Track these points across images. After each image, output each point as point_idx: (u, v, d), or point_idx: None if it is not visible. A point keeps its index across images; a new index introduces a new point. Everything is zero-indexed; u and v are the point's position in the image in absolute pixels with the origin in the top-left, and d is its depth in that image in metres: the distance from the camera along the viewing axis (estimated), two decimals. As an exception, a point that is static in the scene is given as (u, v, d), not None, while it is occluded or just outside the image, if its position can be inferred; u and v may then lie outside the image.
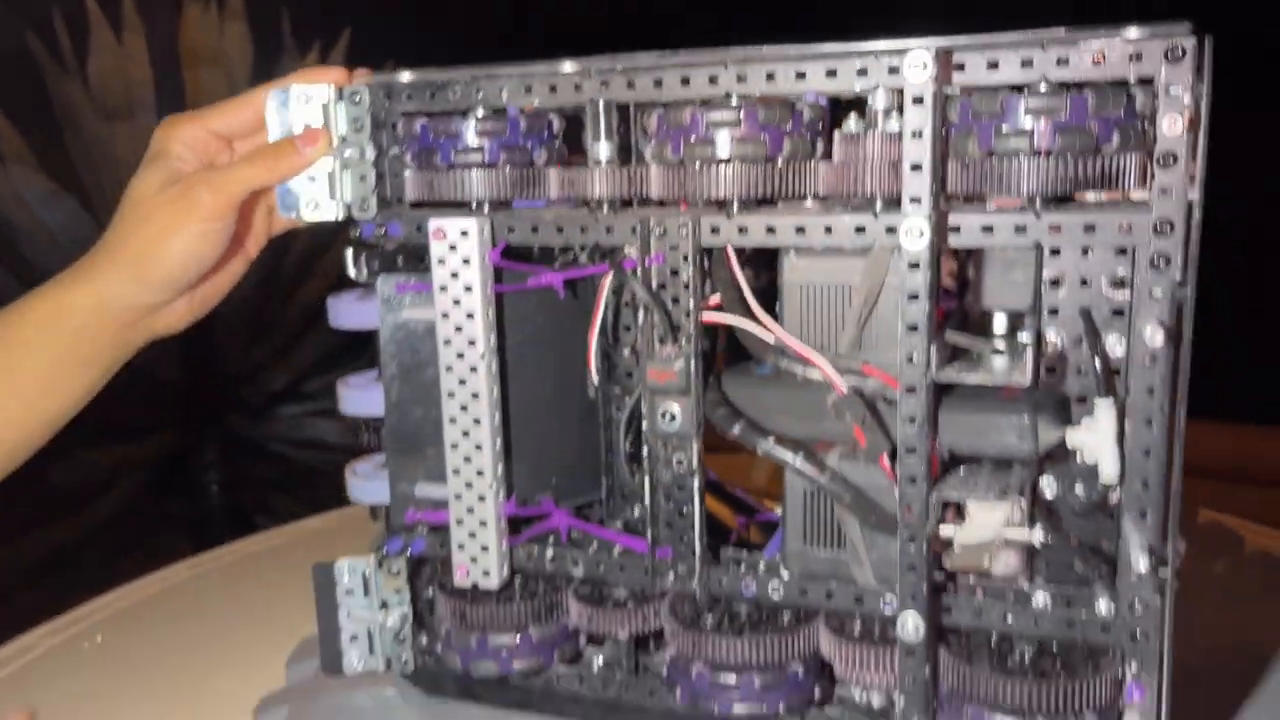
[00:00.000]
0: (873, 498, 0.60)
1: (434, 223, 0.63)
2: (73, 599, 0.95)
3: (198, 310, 0.69)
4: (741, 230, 0.60)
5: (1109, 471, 0.56)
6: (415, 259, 0.67)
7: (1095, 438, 0.57)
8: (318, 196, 0.66)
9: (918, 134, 0.53)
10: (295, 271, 2.83)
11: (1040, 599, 0.59)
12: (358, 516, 0.74)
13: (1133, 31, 0.52)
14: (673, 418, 0.62)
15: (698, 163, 0.58)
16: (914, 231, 0.54)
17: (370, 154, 0.67)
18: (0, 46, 2.59)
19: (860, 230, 0.57)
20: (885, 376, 0.58)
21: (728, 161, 0.57)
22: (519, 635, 0.67)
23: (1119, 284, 0.57)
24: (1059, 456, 0.60)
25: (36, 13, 2.56)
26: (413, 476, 0.68)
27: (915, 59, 0.53)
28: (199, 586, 0.99)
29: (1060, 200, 0.55)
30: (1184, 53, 0.51)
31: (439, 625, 0.70)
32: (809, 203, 0.60)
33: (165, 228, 0.63)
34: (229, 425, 2.77)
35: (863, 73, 0.56)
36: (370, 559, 0.70)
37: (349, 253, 0.67)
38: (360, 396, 0.69)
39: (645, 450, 0.64)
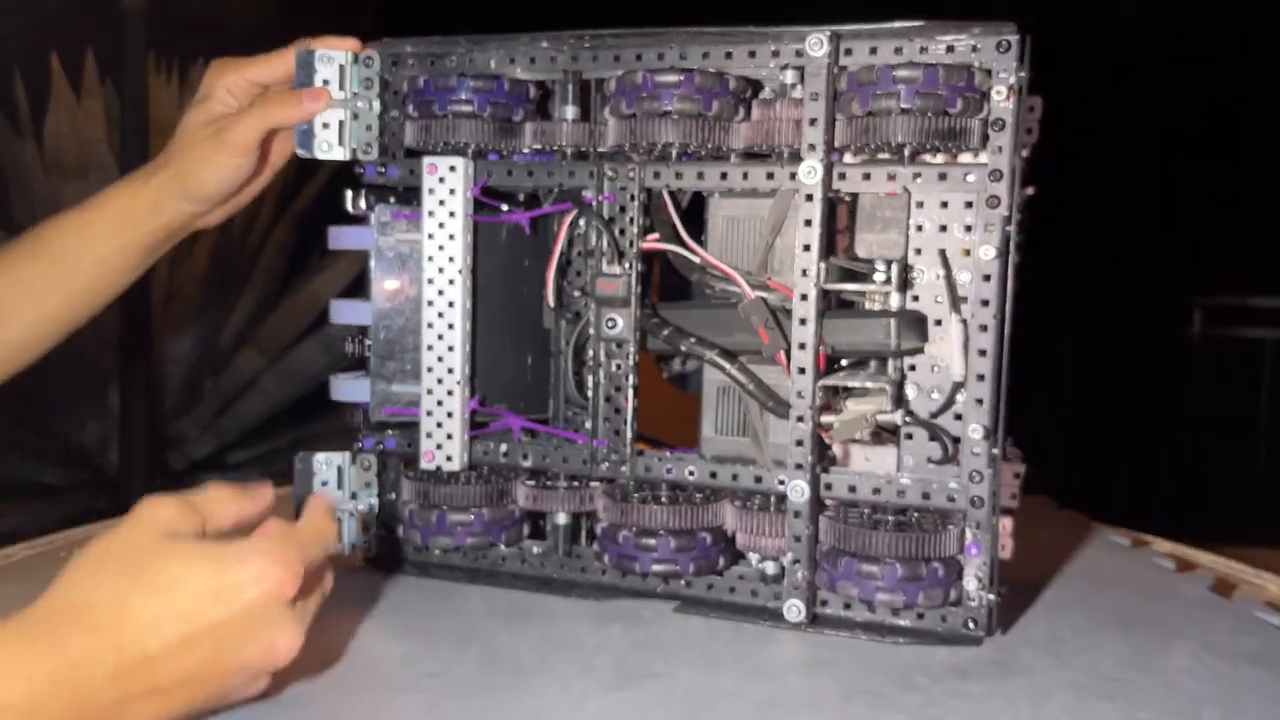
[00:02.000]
0: (771, 388, 0.74)
1: (428, 159, 0.77)
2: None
3: (232, 210, 0.87)
4: (678, 175, 0.75)
5: (957, 370, 0.72)
6: (404, 200, 0.81)
7: (947, 346, 0.73)
8: (330, 140, 0.80)
9: (815, 96, 0.70)
10: (232, 340, 2.91)
11: (904, 478, 0.74)
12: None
13: (975, 28, 0.70)
14: (615, 323, 0.76)
15: (647, 113, 0.73)
16: (810, 171, 0.70)
17: (376, 108, 0.81)
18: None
19: (770, 176, 0.73)
20: (784, 288, 0.73)
21: (669, 114, 0.73)
22: (473, 514, 0.79)
23: (968, 229, 0.74)
24: (920, 371, 0.75)
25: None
26: (391, 377, 0.80)
27: (814, 40, 0.70)
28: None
29: (919, 156, 0.72)
30: (1009, 45, 0.69)
31: (402, 509, 0.82)
32: (733, 158, 0.76)
33: (202, 156, 0.80)
34: (149, 489, 2.79)
35: (775, 53, 0.73)
36: (345, 455, 0.82)
37: (348, 192, 0.81)
38: (350, 308, 0.81)
39: (590, 356, 0.78)
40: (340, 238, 0.82)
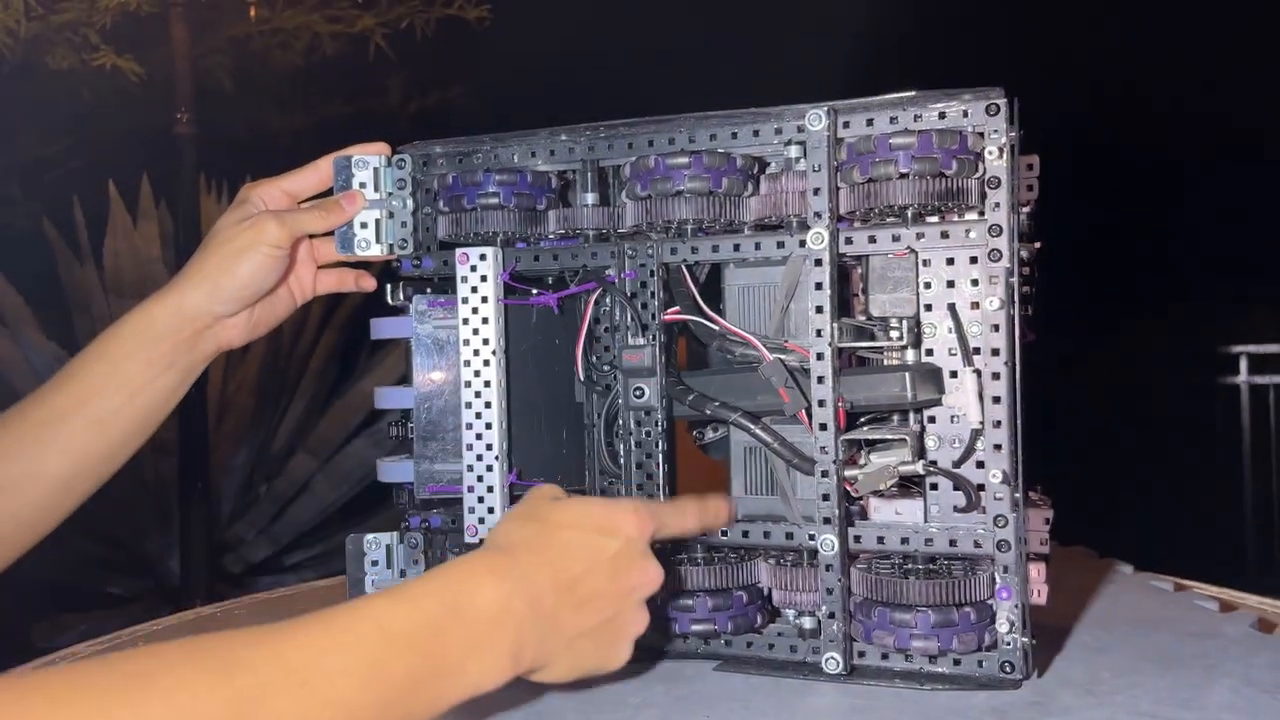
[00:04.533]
0: (796, 445, 0.77)
1: (460, 250, 0.81)
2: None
3: (255, 331, 0.86)
4: (693, 249, 0.79)
5: (974, 417, 0.74)
6: (440, 290, 0.86)
7: (963, 396, 0.76)
8: (368, 238, 0.85)
9: (817, 167, 0.74)
10: (285, 445, 2.99)
11: (931, 527, 0.76)
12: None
13: (965, 94, 0.74)
14: (642, 392, 0.79)
15: (660, 194, 0.78)
16: (817, 237, 0.74)
17: (409, 205, 0.86)
18: (19, 230, 2.82)
19: (780, 245, 0.77)
20: (801, 349, 0.76)
21: (682, 193, 0.77)
22: None
23: (974, 283, 0.77)
24: (940, 422, 0.78)
25: (56, 198, 2.81)
26: (434, 456, 0.84)
27: (814, 116, 0.75)
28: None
29: (922, 218, 0.76)
30: (998, 108, 0.73)
31: None
32: (745, 230, 0.80)
33: (239, 249, 0.81)
34: (210, 596, 2.84)
35: (778, 130, 0.78)
36: (393, 534, 0.86)
37: (388, 286, 0.87)
38: (394, 394, 0.86)
39: (620, 425, 0.81)
40: (381, 328, 0.87)
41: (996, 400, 0.73)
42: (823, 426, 0.74)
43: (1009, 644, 0.73)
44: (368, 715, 0.49)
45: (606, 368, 0.86)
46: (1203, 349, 3.47)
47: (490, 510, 0.81)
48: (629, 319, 0.80)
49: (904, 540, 0.76)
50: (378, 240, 0.85)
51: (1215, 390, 3.44)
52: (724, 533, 0.79)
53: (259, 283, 0.82)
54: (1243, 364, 3.40)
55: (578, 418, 0.88)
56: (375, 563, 0.85)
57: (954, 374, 0.77)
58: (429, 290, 0.86)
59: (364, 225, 0.85)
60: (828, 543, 0.74)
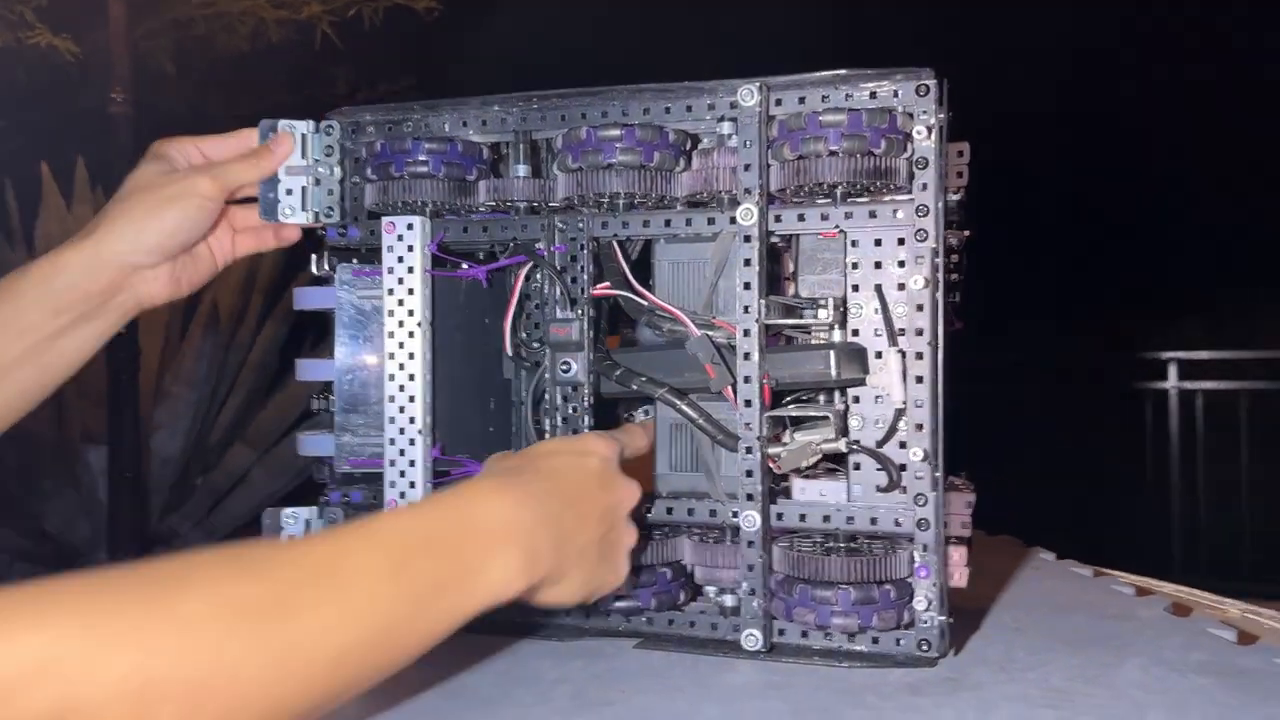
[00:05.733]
0: (720, 422, 0.77)
1: (386, 219, 0.78)
2: None
3: (177, 288, 0.81)
4: (624, 224, 0.78)
5: (898, 397, 0.75)
6: (366, 260, 0.83)
7: (887, 376, 0.76)
8: (293, 204, 0.83)
9: (748, 143, 0.74)
10: (224, 433, 2.93)
11: (853, 506, 0.76)
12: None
13: (896, 74, 0.74)
14: (569, 367, 0.78)
15: (592, 166, 0.77)
16: (747, 213, 0.74)
17: (337, 173, 0.84)
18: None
19: (710, 221, 0.77)
20: (728, 325, 0.76)
21: (613, 166, 0.77)
22: None
23: (900, 264, 0.77)
24: (864, 402, 0.78)
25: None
26: (355, 429, 0.81)
27: (745, 91, 0.74)
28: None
29: (850, 197, 0.76)
30: (928, 89, 0.73)
31: None
32: (678, 206, 0.79)
33: (168, 197, 0.77)
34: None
35: (711, 106, 0.77)
36: (312, 509, 0.84)
37: (313, 255, 0.84)
38: (315, 366, 0.84)
39: (547, 399, 0.80)
40: (304, 298, 0.84)
41: (919, 380, 0.74)
42: (747, 403, 0.74)
43: (926, 622, 0.73)
44: (398, 610, 0.50)
45: (536, 344, 0.84)
46: (1135, 356, 3.55)
47: (412, 485, 0.79)
48: (558, 293, 0.79)
49: (825, 518, 0.76)
50: (303, 208, 0.83)
51: (1146, 395, 3.52)
52: (648, 509, 0.78)
53: (186, 233, 0.78)
54: (1172, 370, 3.48)
55: (505, 395, 0.87)
56: (291, 538, 0.83)
57: (879, 354, 0.78)
58: (354, 260, 0.84)
59: (289, 192, 0.83)
60: (750, 519, 0.74)
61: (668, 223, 0.78)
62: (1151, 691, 0.68)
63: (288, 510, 0.83)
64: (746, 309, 0.74)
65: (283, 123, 0.83)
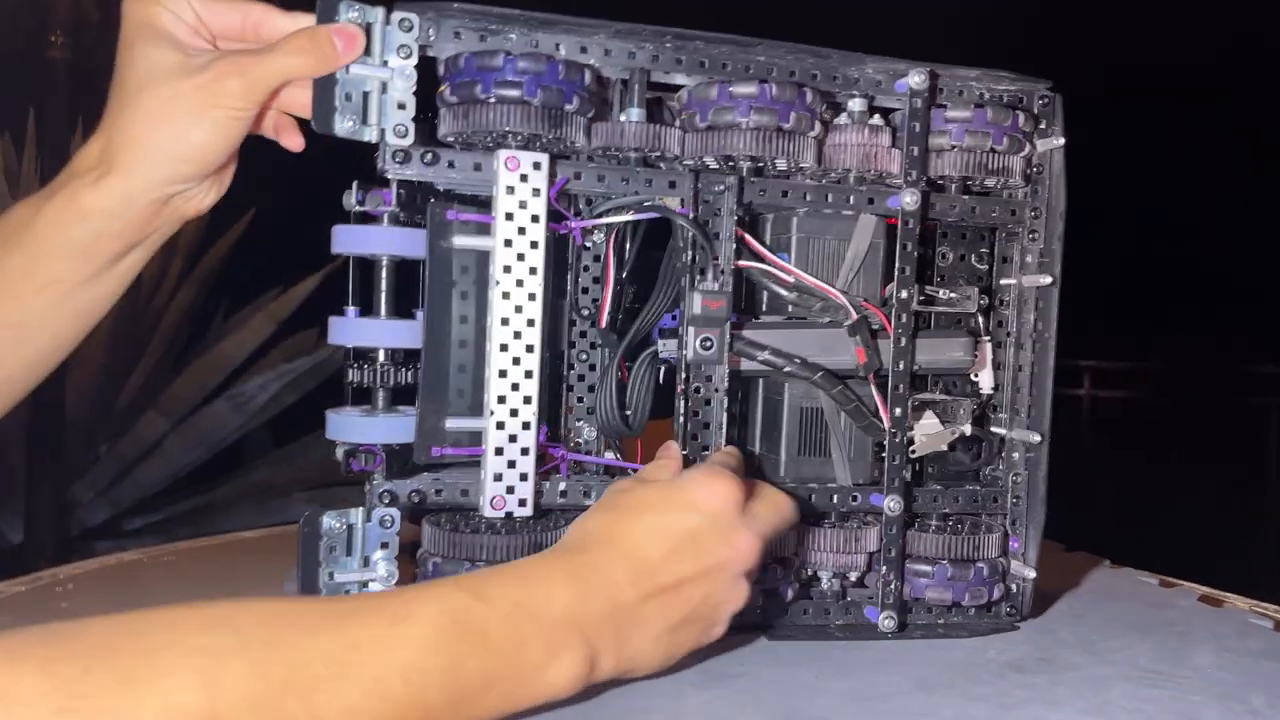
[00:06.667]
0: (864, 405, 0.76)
1: (507, 153, 0.67)
2: None
3: (221, 189, 0.69)
4: (761, 192, 0.73)
5: (987, 383, 0.78)
6: (408, 204, 0.69)
7: (982, 365, 0.79)
8: (353, 115, 0.66)
9: (917, 127, 0.74)
10: (134, 399, 2.79)
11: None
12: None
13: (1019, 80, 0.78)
14: (711, 344, 0.70)
15: (728, 125, 0.71)
16: (909, 200, 0.74)
17: (412, 81, 0.67)
18: None
19: (847, 199, 0.76)
20: (876, 309, 0.76)
21: (759, 129, 0.71)
22: None
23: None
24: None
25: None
26: (442, 410, 0.68)
27: (917, 75, 0.75)
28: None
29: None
30: (1048, 99, 0.77)
31: (424, 561, 0.72)
32: (824, 180, 0.76)
33: (193, 114, 0.61)
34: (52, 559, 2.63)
35: (855, 80, 0.76)
36: (358, 511, 0.68)
37: (355, 185, 0.69)
38: (378, 327, 0.69)
39: (680, 376, 0.72)
40: (351, 239, 0.68)
41: (1020, 369, 0.79)
42: (897, 388, 0.74)
43: (1015, 589, 0.78)
44: (435, 707, 0.46)
45: (620, 316, 0.79)
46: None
47: (523, 477, 0.68)
48: (697, 255, 0.71)
49: (935, 499, 0.78)
50: (365, 120, 0.67)
51: (1060, 401, 3.69)
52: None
53: (225, 150, 0.64)
54: (1085, 379, 3.66)
55: (556, 367, 0.80)
56: (334, 549, 0.67)
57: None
58: (405, 196, 0.69)
59: (348, 97, 0.66)
60: (894, 504, 0.74)
61: (806, 195, 0.75)
62: (1236, 673, 0.72)
63: (331, 514, 0.67)
64: (903, 294, 0.74)
65: (348, 3, 0.66)
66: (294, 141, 0.71)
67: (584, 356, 0.83)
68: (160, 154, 0.62)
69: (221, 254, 2.85)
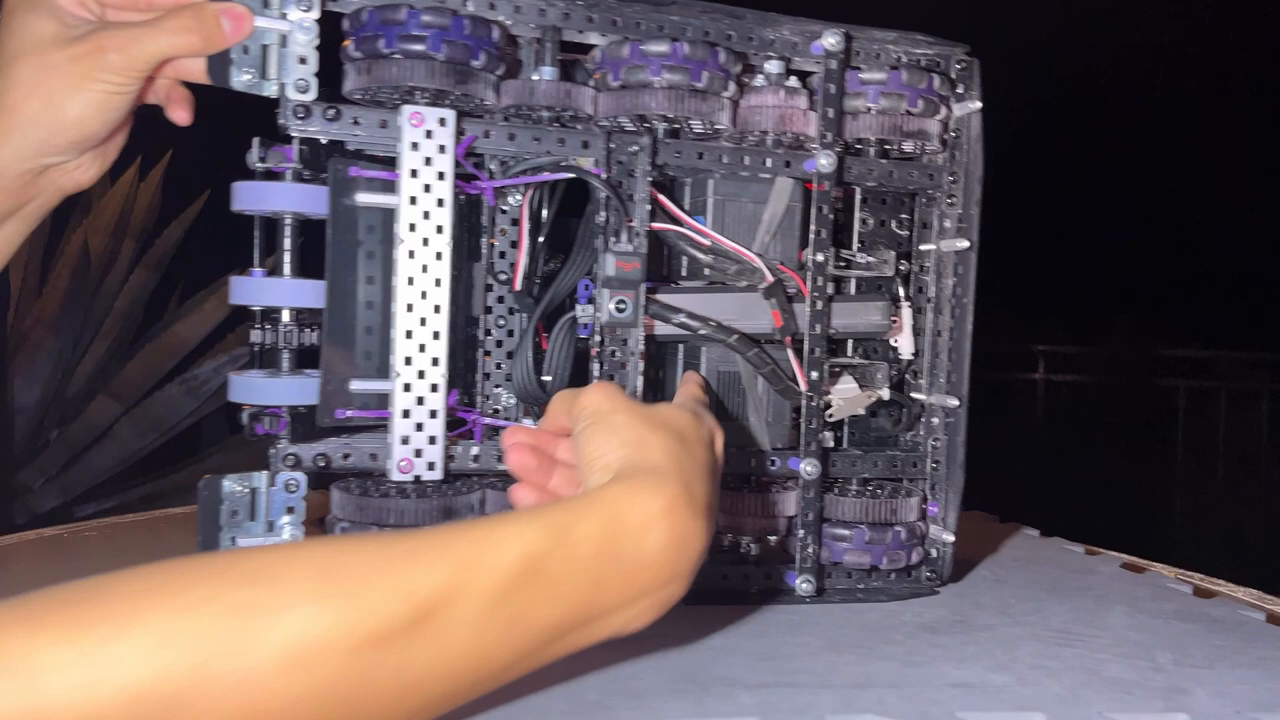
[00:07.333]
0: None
1: (412, 109, 0.65)
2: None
3: (106, 163, 0.66)
4: (678, 153, 0.72)
5: (907, 348, 0.78)
6: (310, 157, 0.67)
7: (901, 330, 0.79)
8: (251, 68, 0.65)
9: (832, 89, 0.74)
10: (85, 384, 2.75)
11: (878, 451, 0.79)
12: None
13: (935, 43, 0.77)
14: (626, 306, 0.69)
15: (640, 84, 0.70)
16: (825, 163, 0.73)
17: (314, 36, 0.65)
18: None
19: (764, 162, 0.75)
20: (793, 273, 0.75)
21: (670, 87, 0.70)
22: None
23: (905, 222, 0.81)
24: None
25: None
26: (347, 372, 0.67)
27: (832, 36, 0.74)
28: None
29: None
30: (966, 64, 0.77)
31: (330, 527, 0.71)
32: (743, 142, 0.75)
33: (68, 87, 0.59)
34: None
35: (772, 41, 0.76)
36: (263, 475, 0.66)
37: (255, 143, 0.67)
38: (281, 286, 0.67)
39: (594, 339, 0.71)
40: (249, 196, 0.66)
41: (938, 334, 0.78)
42: (813, 351, 0.74)
43: (935, 553, 0.78)
44: (494, 661, 0.41)
45: (539, 280, 0.79)
46: (1005, 347, 3.75)
47: (431, 440, 0.67)
48: (606, 222, 0.70)
49: (853, 463, 0.78)
50: (264, 75, 0.65)
51: (1014, 385, 3.73)
52: None
53: (103, 126, 0.61)
54: (1040, 363, 3.70)
55: (468, 331, 0.77)
56: (236, 513, 0.65)
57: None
58: (307, 154, 0.67)
59: (246, 50, 0.65)
60: (811, 468, 0.74)
61: (721, 157, 0.74)
62: (1146, 633, 0.72)
63: (231, 477, 0.65)
64: (818, 258, 0.74)
65: None
66: (180, 116, 0.68)
67: (502, 322, 0.81)
68: (33, 125, 0.60)
69: (175, 236, 2.81)
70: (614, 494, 0.46)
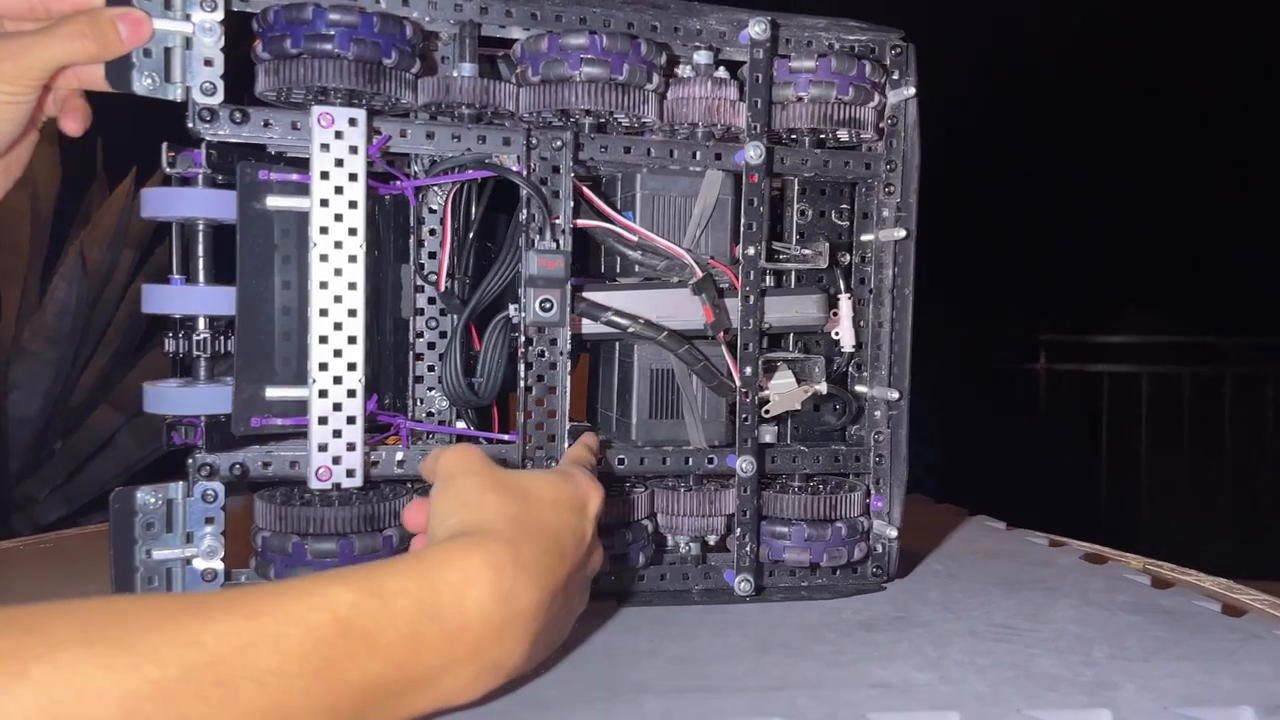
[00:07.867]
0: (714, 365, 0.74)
1: (321, 110, 0.64)
2: None
3: (10, 177, 0.65)
4: (603, 149, 0.71)
5: (848, 341, 0.76)
6: (220, 165, 0.66)
7: (841, 323, 0.77)
8: (154, 72, 0.64)
9: (759, 79, 0.71)
10: (88, 394, 2.76)
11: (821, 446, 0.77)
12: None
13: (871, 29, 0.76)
14: (551, 305, 0.68)
15: (560, 78, 0.69)
16: (753, 154, 0.71)
17: (219, 36, 0.64)
18: None
19: (693, 155, 0.73)
20: (725, 268, 0.73)
21: (592, 82, 0.69)
22: (340, 542, 0.66)
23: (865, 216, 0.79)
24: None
25: None
26: (263, 378, 0.66)
27: (758, 24, 0.71)
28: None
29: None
30: (901, 50, 0.75)
31: (252, 537, 0.69)
32: (668, 134, 0.74)
33: None
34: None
35: (699, 32, 0.74)
36: (178, 485, 0.65)
37: (165, 147, 0.66)
38: (190, 295, 0.67)
39: (521, 339, 0.69)
40: (159, 202, 0.66)
41: (880, 325, 0.75)
42: (746, 347, 0.72)
43: (880, 549, 0.76)
44: None
45: (469, 281, 0.76)
46: (1009, 336, 3.71)
47: (350, 447, 0.66)
48: (534, 214, 0.68)
49: (793, 460, 0.76)
50: (168, 78, 0.64)
51: (1016, 375, 3.69)
52: (622, 460, 0.73)
53: (8, 134, 0.61)
54: (1042, 353, 3.65)
55: (400, 335, 0.76)
56: (151, 525, 0.64)
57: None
58: (216, 158, 0.65)
59: (148, 54, 0.63)
60: (747, 464, 0.72)
61: (649, 151, 0.73)
62: (1088, 626, 0.70)
63: (145, 488, 0.64)
64: (750, 252, 0.72)
65: None
66: (70, 126, 0.66)
67: (434, 324, 0.80)
68: None
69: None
70: (434, 551, 0.46)
